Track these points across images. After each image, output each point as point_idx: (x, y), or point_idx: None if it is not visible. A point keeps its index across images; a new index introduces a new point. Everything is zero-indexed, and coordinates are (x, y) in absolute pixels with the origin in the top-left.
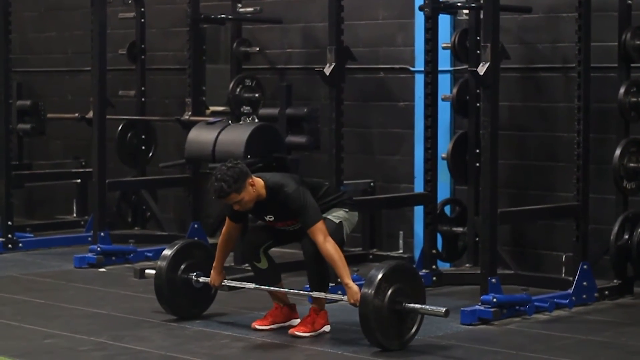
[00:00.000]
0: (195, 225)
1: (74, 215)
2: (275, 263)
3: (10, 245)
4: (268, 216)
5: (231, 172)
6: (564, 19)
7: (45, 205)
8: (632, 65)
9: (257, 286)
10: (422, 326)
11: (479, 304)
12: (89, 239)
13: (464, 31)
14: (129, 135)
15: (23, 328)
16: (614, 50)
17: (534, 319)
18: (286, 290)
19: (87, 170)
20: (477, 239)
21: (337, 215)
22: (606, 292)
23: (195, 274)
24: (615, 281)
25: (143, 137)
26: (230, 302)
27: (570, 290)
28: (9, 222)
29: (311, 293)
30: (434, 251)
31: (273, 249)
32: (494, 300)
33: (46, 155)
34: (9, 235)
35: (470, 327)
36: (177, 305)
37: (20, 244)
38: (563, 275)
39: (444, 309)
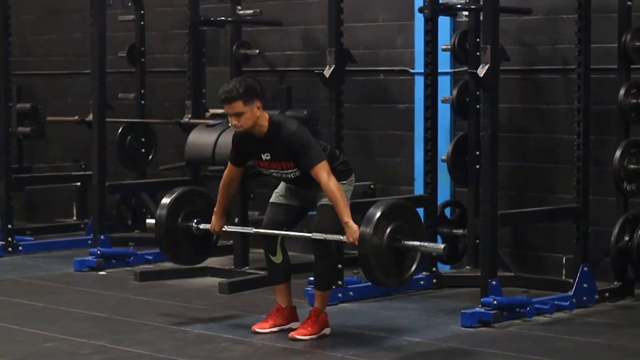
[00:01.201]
0: None
1: (74, 218)
2: (289, 259)
3: (10, 249)
4: (265, 154)
5: (245, 83)
6: (563, 20)
7: (45, 209)
8: (632, 66)
9: (257, 230)
10: (422, 328)
11: (479, 306)
12: (89, 242)
13: (463, 33)
14: (129, 138)
15: (23, 331)
16: (614, 51)
17: (534, 321)
18: (289, 233)
19: (87, 173)
20: (477, 241)
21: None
22: (607, 294)
23: (195, 221)
24: (615, 283)
25: (143, 139)
26: (231, 306)
27: (571, 292)
28: (9, 226)
29: (312, 234)
30: (434, 253)
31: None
32: (495, 302)
33: (46, 158)
34: (9, 239)
35: (470, 329)
36: (179, 253)
37: (20, 247)
38: (563, 277)
39: (443, 246)
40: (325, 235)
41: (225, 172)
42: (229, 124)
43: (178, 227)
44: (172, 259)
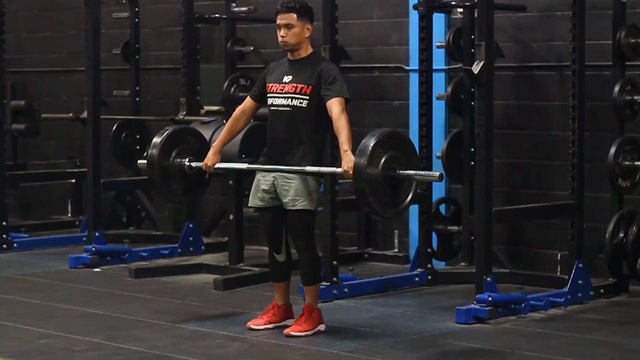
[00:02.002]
0: (190, 225)
1: (69, 215)
2: (292, 259)
3: (5, 246)
4: (287, 76)
5: (303, 2)
6: (558, 17)
7: (39, 206)
8: (626, 63)
9: (249, 166)
10: (417, 324)
11: (474, 302)
12: (84, 239)
13: (458, 30)
14: (124, 135)
15: (18, 328)
16: (609, 48)
17: (529, 317)
18: (282, 167)
19: (82, 170)
20: (472, 237)
21: (312, 194)
22: (601, 291)
23: (187, 159)
24: (610, 279)
25: (137, 136)
26: (226, 302)
27: (566, 289)
28: (4, 223)
29: (306, 168)
30: (429, 250)
31: None
32: (489, 299)
33: (41, 156)
34: (4, 236)
35: (465, 325)
36: (171, 192)
37: (15, 244)
38: (558, 273)
39: (438, 173)
40: (320, 168)
41: (240, 106)
42: (224, 121)
43: (170, 166)
44: (164, 197)
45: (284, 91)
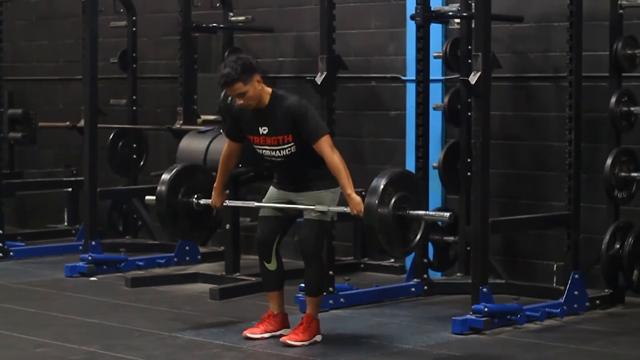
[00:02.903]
0: None
1: (65, 224)
2: (283, 267)
3: (1, 254)
4: (262, 128)
5: (241, 61)
6: (555, 28)
7: (36, 214)
8: (623, 74)
9: (258, 204)
10: (413, 335)
11: (470, 313)
12: (80, 247)
13: (455, 40)
14: (120, 144)
15: (14, 337)
16: (606, 59)
17: (525, 328)
18: (294, 206)
19: (79, 179)
20: (468, 248)
21: (323, 205)
22: (597, 302)
23: (195, 196)
24: (606, 290)
25: (134, 145)
26: (222, 312)
27: (562, 300)
28: (0, 231)
29: (315, 207)
30: (425, 260)
31: None
32: (485, 309)
33: (37, 164)
34: (0, 244)
35: (461, 336)
36: (179, 229)
37: (11, 253)
38: (554, 284)
39: (448, 214)
40: (328, 208)
41: (225, 147)
42: (221, 130)
43: (178, 203)
44: (172, 235)
45: (267, 143)
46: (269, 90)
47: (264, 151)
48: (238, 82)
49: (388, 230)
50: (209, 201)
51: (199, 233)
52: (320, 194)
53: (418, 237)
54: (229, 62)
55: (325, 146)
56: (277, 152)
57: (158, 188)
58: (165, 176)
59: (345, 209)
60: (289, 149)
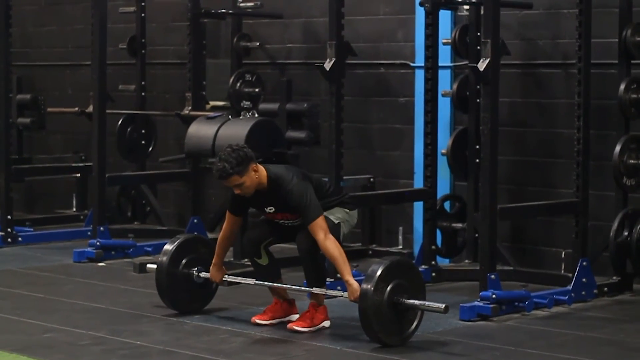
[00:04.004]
0: (195, 220)
1: (74, 209)
2: (276, 259)
3: (9, 240)
4: (268, 207)
5: (235, 154)
6: (564, 15)
7: (44, 200)
8: (632, 61)
9: (257, 282)
10: (421, 322)
11: (478, 300)
12: (89, 233)
13: (464, 27)
14: (129, 129)
15: (22, 322)
16: (615, 46)
17: (533, 315)
18: (286, 286)
19: (87, 164)
20: (476, 235)
21: (337, 215)
22: (605, 289)
23: (196, 269)
24: (614, 278)
25: (143, 131)
26: (230, 297)
27: (570, 287)
28: (9, 216)
29: (311, 289)
30: (433, 247)
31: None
32: (493, 296)
33: (46, 150)
34: (9, 229)
35: (469, 323)
36: (178, 300)
37: (20, 238)
38: (562, 271)
39: (444, 305)
40: (326, 291)
41: (224, 224)
42: (229, 117)
43: (179, 274)
44: (171, 305)
45: (277, 218)
46: (265, 174)
47: (277, 221)
48: (234, 176)
49: (383, 319)
50: (209, 274)
51: (198, 305)
52: (335, 209)
53: (414, 325)
54: (224, 156)
55: (319, 231)
56: (288, 223)
57: (160, 258)
58: (168, 247)
59: (343, 294)
60: (295, 221)
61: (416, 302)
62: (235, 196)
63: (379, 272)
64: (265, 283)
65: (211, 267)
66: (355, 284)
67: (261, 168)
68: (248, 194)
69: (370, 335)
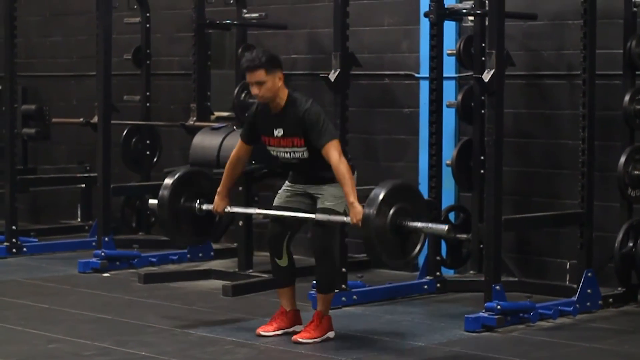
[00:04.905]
0: None
1: (78, 220)
2: (294, 264)
3: (14, 250)
4: (277, 129)
5: (268, 53)
6: (569, 26)
7: (49, 210)
8: (637, 72)
9: (260, 211)
10: (425, 332)
11: (483, 311)
12: (93, 243)
13: (469, 38)
14: (134, 140)
15: (27, 332)
16: (619, 57)
17: (537, 326)
18: (294, 214)
19: (92, 175)
20: (481, 245)
21: (336, 199)
22: (610, 300)
23: (198, 201)
24: (619, 289)
25: (148, 142)
26: (235, 308)
27: (575, 298)
28: (13, 227)
29: (315, 216)
30: (438, 258)
31: None
32: (498, 307)
33: (51, 160)
34: (13, 240)
35: (474, 334)
36: (181, 234)
37: (25, 249)
38: (567, 282)
39: (447, 227)
40: (329, 217)
41: (234, 151)
42: (234, 128)
43: (180, 208)
44: (174, 239)
45: (281, 145)
46: (286, 92)
47: (279, 153)
48: (261, 69)
49: (386, 242)
50: (211, 206)
51: (201, 238)
52: (337, 187)
53: (417, 248)
54: (257, 50)
55: (333, 152)
56: (292, 154)
57: (160, 192)
58: (168, 180)
59: (345, 219)
60: (302, 152)
61: (419, 224)
62: (249, 122)
63: (380, 196)
64: (270, 212)
65: (215, 196)
66: (359, 207)
67: (284, 86)
68: (265, 99)
69: (374, 259)
